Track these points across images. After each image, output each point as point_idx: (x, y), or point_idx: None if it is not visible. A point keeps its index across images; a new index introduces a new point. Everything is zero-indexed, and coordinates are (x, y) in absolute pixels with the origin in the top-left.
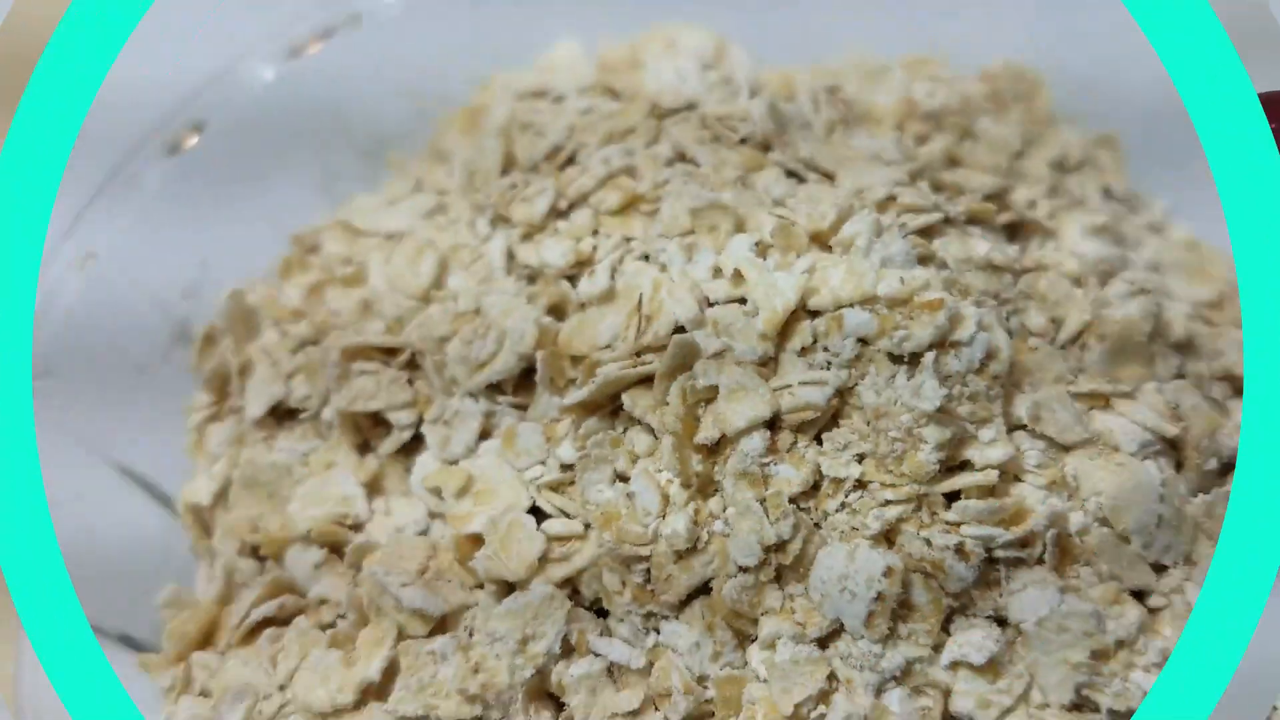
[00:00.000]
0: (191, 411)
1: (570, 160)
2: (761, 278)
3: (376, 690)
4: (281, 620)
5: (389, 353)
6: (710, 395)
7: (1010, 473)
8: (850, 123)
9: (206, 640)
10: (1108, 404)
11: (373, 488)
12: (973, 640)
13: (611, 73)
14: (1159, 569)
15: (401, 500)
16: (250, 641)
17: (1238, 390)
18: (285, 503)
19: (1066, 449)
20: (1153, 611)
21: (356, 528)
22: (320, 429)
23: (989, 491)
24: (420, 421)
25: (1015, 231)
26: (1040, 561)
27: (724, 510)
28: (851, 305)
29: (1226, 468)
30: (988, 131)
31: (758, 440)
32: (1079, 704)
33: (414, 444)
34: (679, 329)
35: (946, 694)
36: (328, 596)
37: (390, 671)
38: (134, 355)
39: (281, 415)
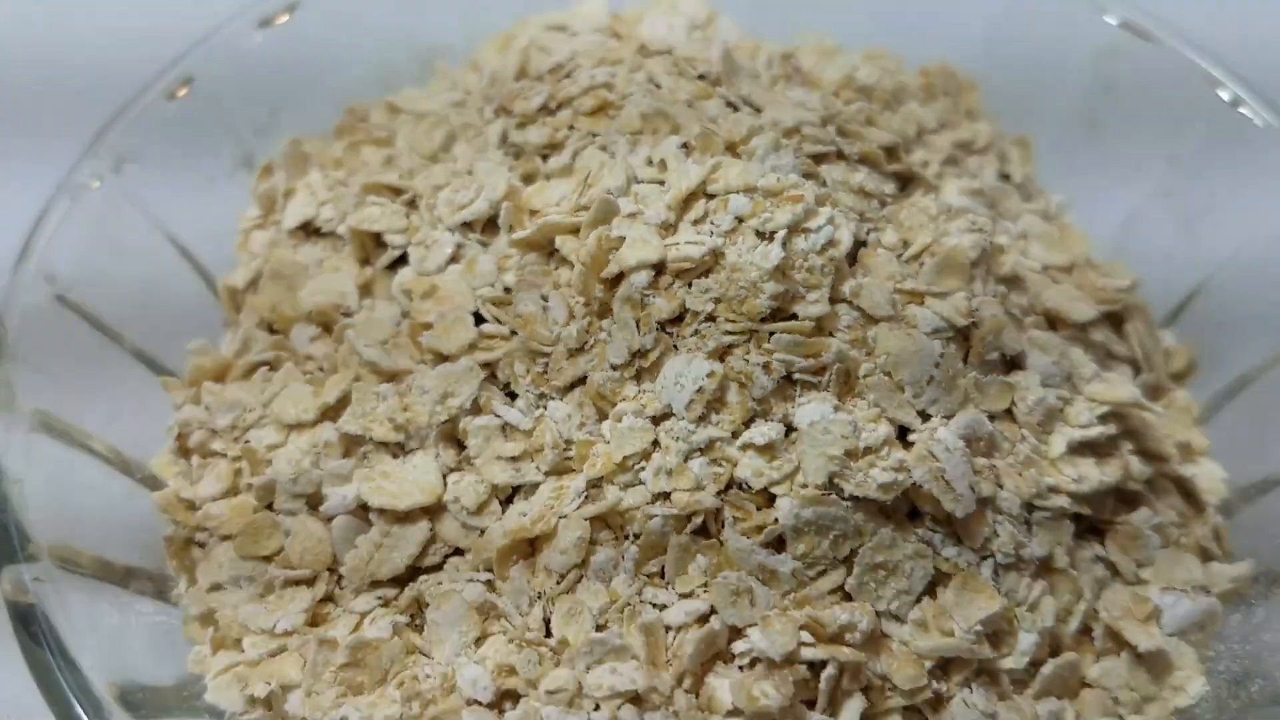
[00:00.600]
0: (244, 220)
1: (567, 76)
2: (678, 166)
3: (332, 414)
4: (275, 367)
5: (397, 193)
6: (618, 244)
7: (827, 329)
8: (792, 80)
9: (218, 377)
10: (923, 301)
11: (364, 289)
12: (762, 430)
13: (620, 22)
14: (925, 416)
15: (384, 302)
16: (248, 377)
17: (1051, 325)
18: (297, 292)
19: (875, 321)
20: (909, 444)
21: (347, 314)
22: (336, 245)
23: (802, 335)
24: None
25: (906, 184)
26: (826, 388)
27: (610, 325)
28: (737, 192)
29: (1010, 364)
30: (909, 109)
31: (643, 277)
32: (829, 488)
33: (401, 263)
34: (608, 194)
35: (734, 465)
36: (312, 354)
37: (344, 403)
38: (206, 169)
39: (310, 232)
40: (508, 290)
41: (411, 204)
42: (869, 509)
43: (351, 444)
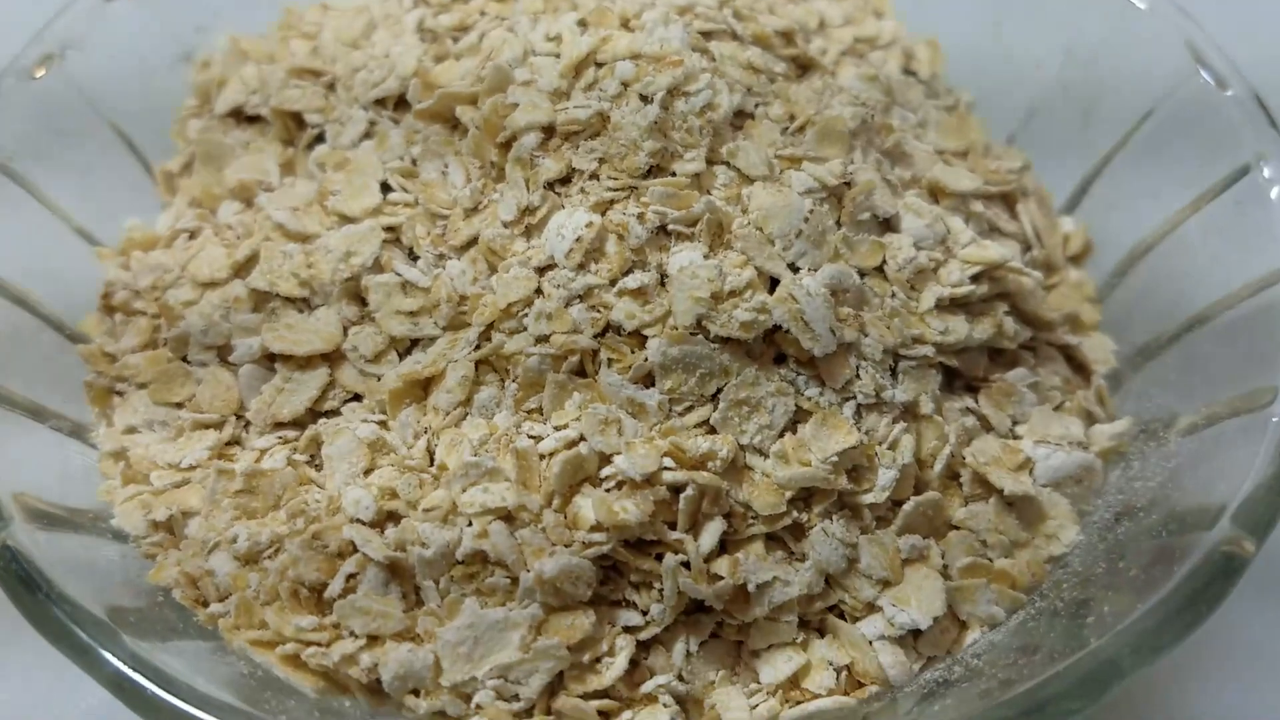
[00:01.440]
0: (180, 110)
1: None
2: (572, 38)
3: (243, 273)
4: (196, 235)
5: (318, 75)
6: (511, 109)
7: (704, 187)
8: None
9: (148, 248)
10: (800, 166)
11: (286, 168)
12: (635, 277)
13: None
14: (795, 270)
15: (304, 180)
16: (171, 245)
17: (935, 197)
18: (224, 171)
19: (750, 180)
20: (776, 284)
21: (268, 190)
22: (263, 129)
23: (677, 189)
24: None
25: (804, 71)
26: (696, 239)
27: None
28: (623, 59)
29: (885, 226)
30: (813, 4)
31: (532, 138)
32: (696, 330)
33: (321, 143)
34: (508, 65)
35: (609, 308)
36: (233, 226)
37: (254, 261)
38: (149, 61)
39: (241, 118)
40: (414, 162)
41: (331, 86)
42: (735, 350)
43: (260, 299)
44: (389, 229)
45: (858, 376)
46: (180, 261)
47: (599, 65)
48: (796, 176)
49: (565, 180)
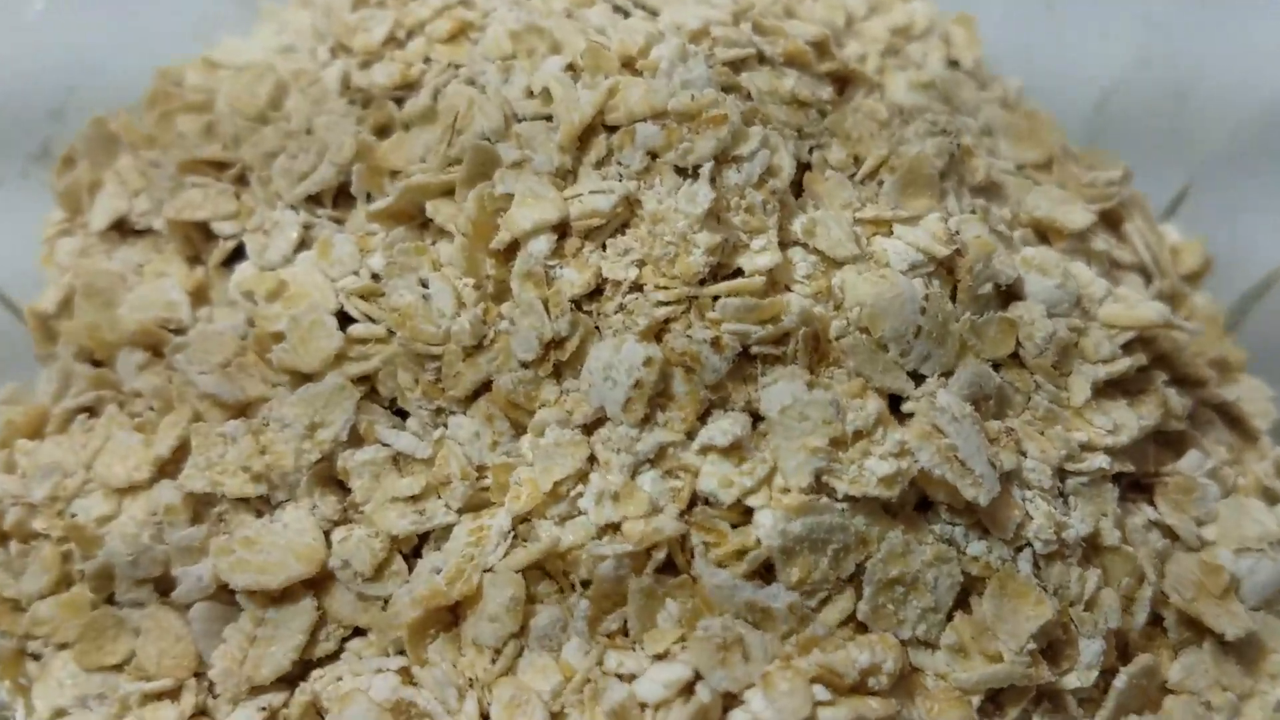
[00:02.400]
0: (47, 226)
1: None
2: (566, 94)
3: (170, 468)
4: (96, 413)
5: (221, 168)
6: (506, 204)
7: (781, 283)
8: None
9: (34, 432)
10: (890, 231)
11: (198, 296)
12: (722, 426)
13: None
14: (918, 378)
15: (225, 309)
16: (65, 429)
17: (1043, 238)
18: (117, 309)
19: (838, 264)
20: (906, 415)
21: (179, 331)
22: (157, 243)
23: (757, 296)
24: (239, 233)
25: (844, 85)
26: (794, 360)
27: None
28: (643, 120)
29: (1007, 295)
30: None
31: (543, 243)
32: (817, 490)
33: (240, 259)
34: (485, 140)
35: (695, 475)
36: (140, 390)
37: (184, 451)
38: None
39: (126, 231)
40: (376, 278)
41: (241, 180)
42: (869, 508)
43: (200, 505)
44: (359, 380)
45: (1028, 516)
46: (83, 459)
47: (610, 130)
48: (892, 249)
49: (595, 293)
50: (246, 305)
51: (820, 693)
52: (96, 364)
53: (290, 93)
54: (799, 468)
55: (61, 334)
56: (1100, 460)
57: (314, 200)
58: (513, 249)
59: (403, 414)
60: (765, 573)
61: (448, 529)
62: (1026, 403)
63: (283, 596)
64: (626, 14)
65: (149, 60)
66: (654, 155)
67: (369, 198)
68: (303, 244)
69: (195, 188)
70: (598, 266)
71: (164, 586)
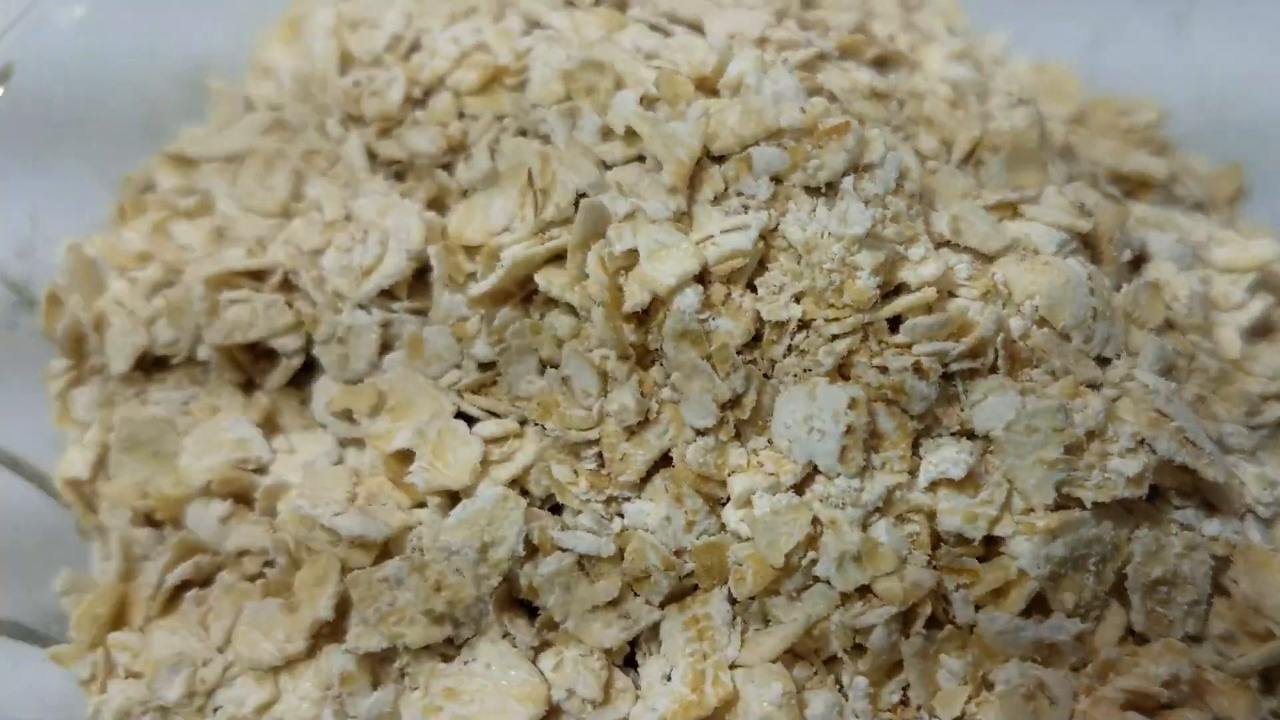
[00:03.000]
0: (50, 379)
1: (414, 48)
2: (657, 130)
3: (330, 631)
4: (200, 581)
5: (257, 277)
6: (630, 261)
7: (944, 289)
8: None
9: (119, 621)
10: (1016, 212)
11: (269, 426)
12: (947, 456)
13: None
14: (1103, 362)
15: (304, 435)
16: (172, 610)
17: (1129, 191)
18: (173, 459)
19: (991, 258)
20: (1113, 401)
21: (261, 471)
22: (195, 374)
23: (928, 309)
24: (309, 345)
25: (882, 65)
26: (994, 370)
27: (668, 377)
28: (757, 143)
29: (1139, 260)
30: None
31: (691, 296)
32: (1062, 502)
33: (304, 373)
34: (580, 196)
35: (931, 516)
36: (246, 547)
37: (342, 608)
38: None
39: (149, 366)
40: (485, 367)
41: (286, 286)
42: (1112, 512)
43: (379, 665)
44: (513, 483)
45: (1241, 482)
46: (213, 641)
47: (716, 160)
48: (1034, 231)
49: (753, 341)
50: (341, 427)
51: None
52: (155, 524)
53: (309, 178)
54: (1040, 484)
55: (105, 499)
56: (1276, 409)
57: (386, 294)
58: (650, 309)
59: (556, 509)
60: (1036, 607)
61: (655, 628)
62: (1190, 365)
63: None
64: (666, 32)
65: (99, 161)
66: (778, 179)
67: (452, 280)
68: (385, 347)
69: (236, 304)
70: (754, 311)
71: None
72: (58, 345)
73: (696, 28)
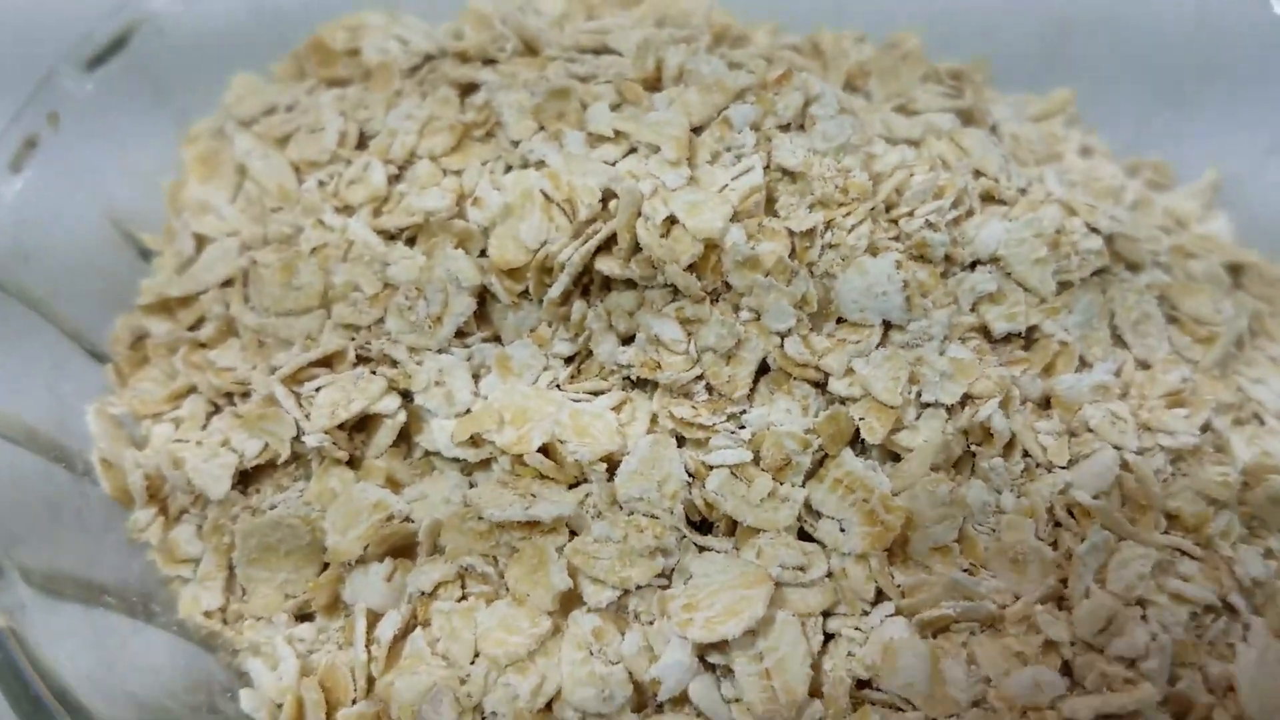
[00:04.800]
0: (140, 531)
1: (364, 137)
2: (643, 124)
3: (565, 601)
4: (410, 629)
5: (324, 364)
6: (667, 228)
7: (906, 170)
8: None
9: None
10: (911, 111)
11: (390, 486)
12: (978, 279)
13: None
14: (1022, 193)
15: (425, 481)
16: (394, 661)
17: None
18: (311, 550)
19: (918, 144)
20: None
21: (408, 520)
22: (292, 472)
23: (908, 185)
24: (402, 403)
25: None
26: (971, 213)
27: (736, 308)
28: (728, 106)
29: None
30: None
31: (737, 231)
32: (1060, 288)
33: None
34: (608, 194)
35: (983, 330)
36: (440, 580)
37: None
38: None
39: (248, 479)
40: (568, 360)
41: (363, 360)
42: (1091, 284)
43: (618, 615)
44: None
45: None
46: (461, 657)
47: (697, 131)
48: (936, 119)
49: (790, 254)
50: (469, 453)
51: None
52: (305, 618)
53: (331, 269)
54: (1043, 278)
55: (249, 615)
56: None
57: (458, 335)
58: (704, 256)
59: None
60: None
61: (807, 504)
62: (1068, 178)
63: (761, 624)
64: (586, 60)
65: None
66: (756, 128)
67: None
68: (474, 376)
69: (323, 389)
70: (784, 229)
71: (638, 703)
72: (135, 500)
73: (609, 50)
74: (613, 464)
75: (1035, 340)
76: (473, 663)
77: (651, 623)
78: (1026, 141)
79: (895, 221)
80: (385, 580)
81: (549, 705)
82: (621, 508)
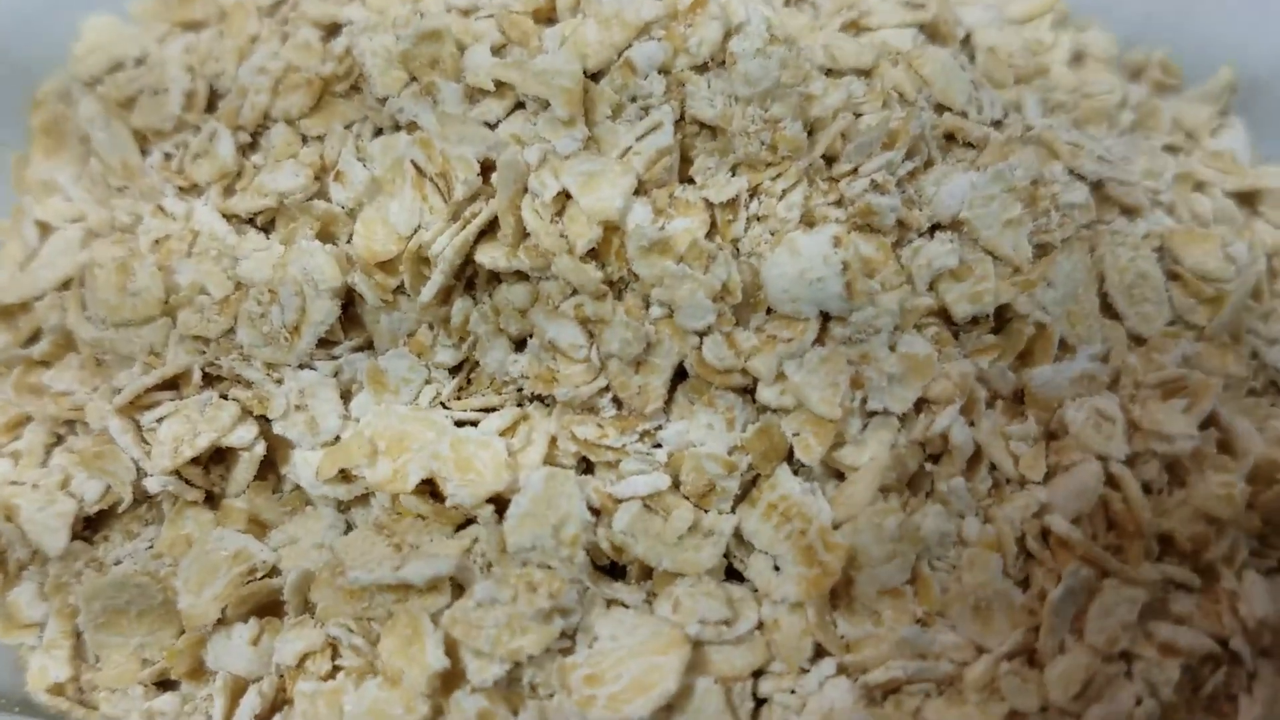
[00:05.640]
0: None
1: (213, 97)
2: (527, 72)
3: (442, 685)
4: (275, 709)
5: (169, 386)
6: (561, 205)
7: (851, 112)
8: None
9: None
10: (863, 27)
11: (254, 529)
12: (935, 252)
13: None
14: (997, 126)
15: (295, 520)
16: None
17: None
18: (167, 609)
19: (869, 72)
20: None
21: (270, 574)
22: (142, 515)
23: (850, 133)
24: (262, 430)
25: None
26: (929, 164)
27: (646, 300)
28: (629, 45)
29: (967, 36)
30: None
31: (641, 210)
32: (1040, 252)
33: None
34: (485, 167)
35: (942, 313)
36: (306, 650)
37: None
38: None
39: (80, 531)
40: (455, 371)
41: (206, 379)
42: (1075, 246)
43: (508, 691)
44: (545, 462)
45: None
46: None
47: (595, 78)
48: (892, 36)
49: (711, 229)
50: (339, 490)
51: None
52: (167, 685)
53: (175, 268)
54: (1017, 243)
55: (102, 687)
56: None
57: (323, 344)
58: (605, 239)
59: (588, 469)
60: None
61: (737, 533)
62: (1051, 101)
63: (678, 697)
64: None
65: None
66: (665, 71)
67: (384, 303)
68: (343, 395)
69: (166, 419)
70: (701, 200)
71: None
72: None
73: None
74: (502, 504)
75: (1007, 322)
76: None
77: (551, 696)
78: (1005, 54)
79: (836, 181)
80: (250, 644)
81: None
82: (514, 557)
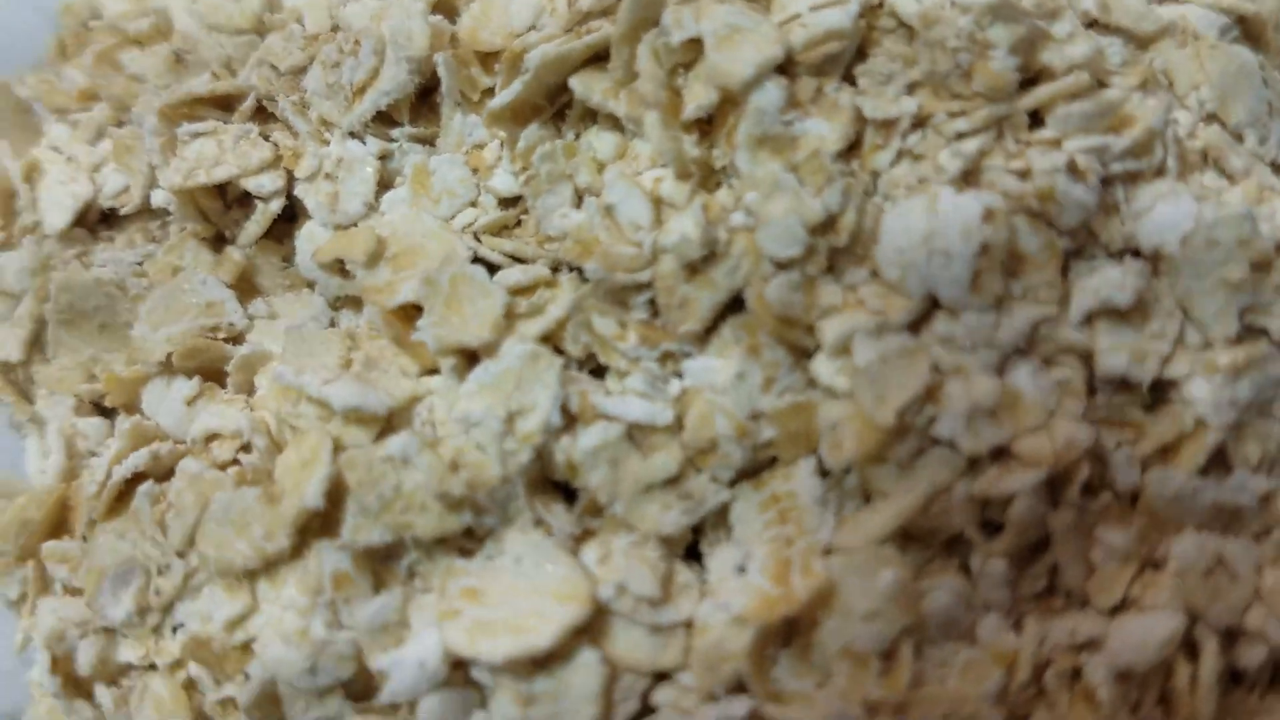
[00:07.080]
0: None
1: None
2: None
3: (321, 524)
4: (160, 474)
5: (223, 106)
6: (693, 55)
7: (1094, 76)
8: None
9: (58, 529)
10: None
11: (244, 287)
12: (1109, 280)
13: None
14: (1277, 169)
15: (288, 296)
16: (121, 509)
17: None
18: (126, 331)
19: (1145, 42)
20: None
21: (235, 340)
22: (151, 229)
23: (1080, 97)
24: (290, 186)
25: None
26: (1161, 173)
27: (739, 200)
28: None
29: None
30: None
31: (773, 92)
32: (1246, 334)
33: (286, 223)
34: None
35: (1087, 357)
36: (216, 431)
37: (335, 496)
38: None
39: (94, 223)
40: (507, 202)
41: (263, 115)
42: None
43: (381, 564)
44: (545, 340)
45: None
46: (171, 542)
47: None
48: (1194, 15)
49: (853, 147)
50: (332, 283)
51: None
52: (105, 411)
53: None
54: (1222, 311)
55: (44, 384)
56: None
57: (383, 119)
58: (718, 115)
59: (598, 372)
60: (1212, 463)
61: (724, 511)
62: None
63: (549, 658)
64: None
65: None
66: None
67: (464, 99)
68: (383, 183)
69: (200, 137)
70: (853, 108)
71: (361, 690)
72: None
73: None
74: (473, 361)
75: (1164, 403)
76: (182, 555)
77: (428, 593)
78: None
79: (1028, 147)
80: (184, 403)
81: (249, 644)
82: (455, 424)
